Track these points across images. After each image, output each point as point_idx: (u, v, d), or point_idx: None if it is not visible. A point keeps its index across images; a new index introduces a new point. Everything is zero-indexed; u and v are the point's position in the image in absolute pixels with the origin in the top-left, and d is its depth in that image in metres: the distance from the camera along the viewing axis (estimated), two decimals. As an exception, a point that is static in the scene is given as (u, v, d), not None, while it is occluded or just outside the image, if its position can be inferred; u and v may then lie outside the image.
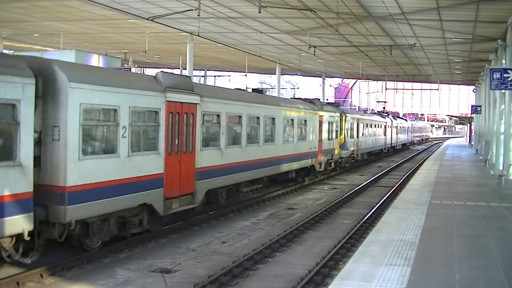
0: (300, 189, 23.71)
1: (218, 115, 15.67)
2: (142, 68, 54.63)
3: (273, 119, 19.93)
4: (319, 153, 25.46)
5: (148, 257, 11.74)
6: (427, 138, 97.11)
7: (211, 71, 52.88)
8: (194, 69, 35.50)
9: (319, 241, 13.81)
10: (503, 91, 23.86)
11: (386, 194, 21.38)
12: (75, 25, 31.93)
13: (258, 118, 18.54)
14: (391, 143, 51.37)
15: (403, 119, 66.03)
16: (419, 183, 20.99)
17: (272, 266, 11.36)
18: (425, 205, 14.96)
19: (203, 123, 14.64)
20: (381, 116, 48.45)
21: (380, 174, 30.80)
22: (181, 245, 12.86)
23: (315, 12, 20.79)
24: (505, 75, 19.43)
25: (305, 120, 23.53)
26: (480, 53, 34.26)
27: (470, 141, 66.86)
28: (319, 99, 30.18)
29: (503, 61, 26.17)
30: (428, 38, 30.74)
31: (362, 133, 36.86)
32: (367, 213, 17.12)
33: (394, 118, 55.03)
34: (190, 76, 14.02)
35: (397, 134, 54.79)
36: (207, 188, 14.95)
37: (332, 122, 27.71)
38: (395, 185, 24.26)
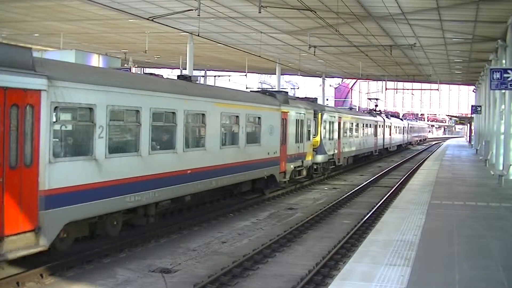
0: (300, 189, 23.70)
1: (90, 109, 10.62)
2: (142, 68, 54.67)
3: (203, 115, 14.92)
4: (282, 159, 20.48)
5: (148, 257, 11.74)
6: (425, 139, 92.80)
7: (211, 71, 52.89)
8: (194, 69, 35.49)
9: (319, 241, 13.80)
10: (503, 91, 23.87)
11: (386, 194, 21.37)
12: (75, 25, 31.93)
13: (174, 114, 13.40)
14: (383, 145, 46.80)
15: (398, 118, 62.29)
16: (419, 183, 20.98)
17: (272, 266, 11.36)
18: (425, 205, 14.95)
19: (56, 121, 9.76)
20: (371, 115, 43.98)
21: (380, 174, 30.79)
22: (181, 245, 12.86)
23: (315, 12, 20.79)
24: (505, 75, 19.43)
25: (259, 118, 18.52)
26: (480, 53, 34.27)
27: (470, 141, 66.87)
28: (286, 92, 24.19)
29: (503, 61, 26.17)
30: (428, 38, 30.75)
31: (346, 134, 32.13)
32: (367, 213, 17.12)
33: (387, 117, 51.00)
34: (30, 48, 9.51)
35: (390, 135, 50.36)
36: (66, 220, 9.97)
37: (302, 121, 22.80)
38: (395, 185, 24.25)
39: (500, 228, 12.39)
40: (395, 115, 67.84)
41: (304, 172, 23.85)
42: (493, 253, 9.98)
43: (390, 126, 50.39)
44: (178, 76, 16.79)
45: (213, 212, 16.57)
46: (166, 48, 40.09)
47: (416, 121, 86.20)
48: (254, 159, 18.09)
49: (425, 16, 25.14)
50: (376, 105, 51.29)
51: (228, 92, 18.65)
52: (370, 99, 59.21)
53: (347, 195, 21.25)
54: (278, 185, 20.90)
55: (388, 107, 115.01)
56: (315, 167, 26.20)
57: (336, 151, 29.33)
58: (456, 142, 77.53)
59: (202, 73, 53.65)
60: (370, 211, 17.57)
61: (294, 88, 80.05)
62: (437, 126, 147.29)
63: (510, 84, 19.41)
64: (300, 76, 63.99)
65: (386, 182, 27.15)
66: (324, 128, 27.15)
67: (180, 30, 28.26)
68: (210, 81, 53.13)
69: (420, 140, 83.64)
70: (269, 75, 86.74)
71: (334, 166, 29.50)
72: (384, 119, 47.22)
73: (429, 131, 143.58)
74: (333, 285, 7.74)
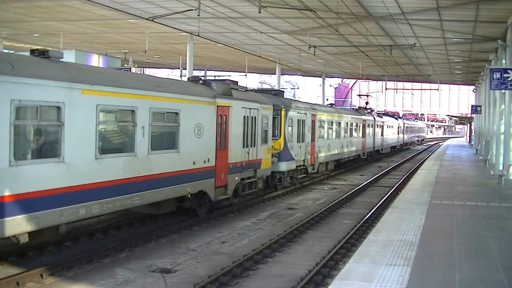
0: (300, 189, 23.69)
1: None
2: (142, 68, 54.71)
3: (58, 109, 9.95)
4: (220, 169, 15.49)
5: (148, 257, 11.74)
6: (423, 139, 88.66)
7: (211, 71, 52.84)
8: (194, 69, 35.51)
9: (319, 241, 13.80)
10: (503, 91, 23.87)
11: (386, 194, 21.37)
12: (75, 25, 31.93)
13: None
14: (374, 147, 41.62)
15: (393, 117, 56.99)
16: (419, 183, 20.98)
17: (272, 266, 11.36)
18: (425, 205, 14.95)
19: None
20: (359, 113, 38.69)
21: (380, 174, 30.78)
22: (181, 245, 12.86)
23: (315, 12, 20.79)
24: (505, 75, 19.43)
25: (176, 114, 13.47)
26: (480, 53, 34.27)
27: (470, 141, 66.87)
28: (234, 82, 18.20)
29: (503, 61, 26.18)
30: (428, 38, 30.75)
31: (322, 135, 27.37)
32: (367, 213, 17.11)
33: (379, 116, 45.98)
34: None
35: (382, 135, 45.31)
36: None
37: (254, 119, 17.90)
38: (395, 185, 24.25)
39: (500, 228, 12.40)
40: (389, 113, 63.10)
41: (260, 185, 19.01)
42: (493, 253, 9.98)
43: (382, 126, 45.44)
44: (31, 51, 10.60)
45: (213, 212, 16.56)
46: (166, 48, 40.09)
47: (413, 121, 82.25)
48: (168, 171, 13.08)
49: (425, 16, 25.14)
50: (367, 103, 46.84)
51: (113, 75, 12.71)
52: (360, 95, 54.04)
53: (347, 195, 21.25)
54: (218, 204, 16.24)
55: (388, 107, 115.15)
56: (278, 177, 21.65)
57: (308, 156, 24.41)
58: (456, 142, 77.50)
59: (202, 73, 53.71)
60: (370, 211, 17.56)
61: (294, 88, 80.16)
62: (437, 126, 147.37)
63: (510, 84, 19.41)
64: (300, 76, 63.97)
65: (386, 182, 27.15)
66: (290, 128, 22.26)
67: (180, 30, 28.27)
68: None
69: (418, 141, 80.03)
70: (269, 75, 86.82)
71: (305, 175, 24.75)
72: (374, 118, 41.83)
73: (430, 131, 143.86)
74: (333, 285, 7.74)
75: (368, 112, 42.20)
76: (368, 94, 53.94)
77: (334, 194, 22.62)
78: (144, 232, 13.45)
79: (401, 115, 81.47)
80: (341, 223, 16.33)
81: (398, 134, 55.26)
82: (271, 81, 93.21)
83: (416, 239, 10.61)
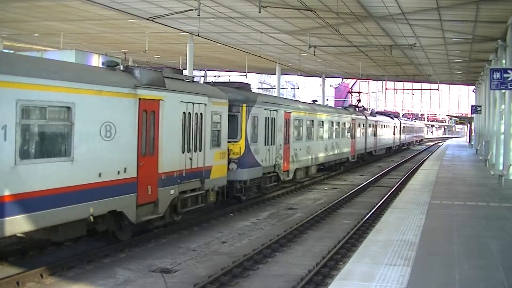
0: (300, 189, 23.69)
1: None
2: (142, 68, 54.56)
3: None
4: (144, 182, 12.16)
5: (148, 257, 11.74)
6: (422, 140, 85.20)
7: (211, 71, 52.89)
8: (194, 69, 35.51)
9: (319, 241, 13.80)
10: (503, 91, 23.87)
11: (386, 194, 21.37)
12: (75, 25, 31.92)
13: None
14: (365, 148, 37.93)
15: (389, 116, 53.15)
16: (419, 183, 20.98)
17: (272, 266, 11.36)
18: (425, 205, 14.95)
19: None
20: (347, 111, 34.59)
21: (380, 174, 30.78)
22: (181, 245, 12.86)
23: (315, 12, 20.79)
24: (505, 75, 19.43)
25: (68, 109, 10.12)
26: (480, 53, 34.27)
27: (470, 141, 66.88)
28: (176, 70, 15.32)
29: (503, 61, 26.18)
30: (428, 38, 30.75)
31: (300, 136, 23.65)
32: (367, 213, 17.11)
33: (372, 115, 42.31)
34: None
35: (376, 136, 41.70)
36: None
37: (200, 115, 14.54)
38: (395, 185, 24.25)
39: (500, 228, 12.39)
40: (385, 112, 58.89)
41: (211, 198, 15.59)
42: (493, 253, 9.98)
43: (375, 125, 41.79)
44: None
45: (213, 212, 16.56)
46: (166, 48, 40.08)
47: (411, 120, 78.85)
48: (49, 188, 9.63)
49: (425, 16, 25.14)
50: (359, 100, 42.93)
51: None
52: (350, 92, 49.11)
53: (347, 195, 21.25)
54: (149, 225, 13.05)
55: (389, 107, 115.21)
56: (239, 187, 17.70)
57: (280, 161, 20.73)
58: (456, 142, 77.49)
59: (202, 73, 53.73)
60: (370, 211, 17.56)
61: (294, 88, 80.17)
62: (437, 126, 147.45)
63: (510, 84, 19.42)
64: (300, 76, 63.96)
65: (386, 182, 27.15)
66: (254, 127, 18.51)
67: (180, 30, 28.27)
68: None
69: (416, 142, 76.44)
70: (269, 75, 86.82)
71: (276, 183, 21.06)
72: (366, 117, 38.44)
73: (430, 132, 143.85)
74: (333, 285, 7.74)
75: (360, 111, 38.91)
76: (360, 91, 48.64)
77: (334, 194, 22.61)
78: (144, 232, 13.44)
79: (401, 115, 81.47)
80: (341, 223, 16.33)
81: (394, 134, 51.96)
82: (271, 81, 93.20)
83: (416, 239, 10.61)
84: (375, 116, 43.23)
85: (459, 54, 37.20)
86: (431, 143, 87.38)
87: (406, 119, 74.41)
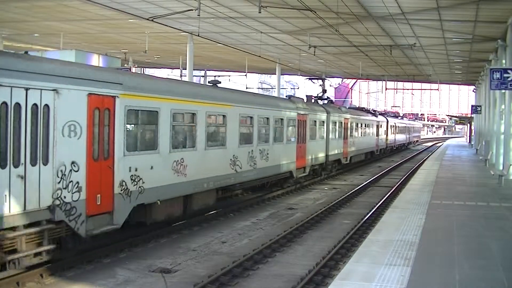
0: (300, 189, 23.68)
1: None
2: (142, 68, 54.68)
3: None
4: None
5: (148, 257, 11.74)
6: (417, 141, 78.40)
7: (211, 71, 52.90)
8: (194, 69, 35.52)
9: (319, 241, 13.80)
10: (503, 91, 23.87)
11: (386, 194, 21.37)
12: (75, 25, 31.93)
13: None
14: (327, 156, 27.31)
15: (370, 113, 43.78)
16: (419, 183, 20.98)
17: (272, 266, 11.36)
18: (425, 205, 14.95)
19: None
20: (290, 103, 22.89)
21: (380, 174, 30.78)
22: (181, 245, 12.86)
23: (315, 12, 20.79)
24: (505, 75, 19.43)
25: None
26: (480, 53, 34.27)
27: (470, 141, 66.88)
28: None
29: (503, 61, 26.18)
30: (428, 38, 30.75)
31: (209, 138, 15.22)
32: (367, 213, 17.11)
33: (339, 110, 31.20)
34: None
35: (345, 138, 30.99)
36: None
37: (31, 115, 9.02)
38: (395, 185, 24.25)
39: (500, 228, 12.39)
40: (364, 108, 49.68)
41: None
42: (493, 253, 9.98)
43: (346, 124, 31.10)
44: None
45: (213, 212, 16.56)
46: (166, 48, 40.08)
47: (402, 119, 67.32)
48: None
49: (425, 16, 25.14)
50: (324, 90, 31.92)
51: None
52: (311, 79, 33.15)
53: (347, 195, 21.24)
54: None
55: (388, 107, 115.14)
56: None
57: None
58: (456, 142, 77.46)
59: (202, 73, 53.74)
60: (370, 211, 17.56)
61: (294, 88, 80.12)
62: (437, 126, 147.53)
63: (510, 84, 19.41)
64: (300, 76, 63.95)
65: (386, 182, 27.15)
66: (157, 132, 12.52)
67: (180, 30, 28.26)
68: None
69: (410, 143, 68.42)
70: (269, 75, 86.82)
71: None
72: (328, 112, 27.41)
73: (431, 132, 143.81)
74: (333, 285, 7.74)
75: (322, 105, 28.65)
76: (325, 77, 35.86)
77: (334, 194, 22.61)
78: (144, 232, 13.45)
79: (401, 115, 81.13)
80: (341, 223, 16.33)
81: (378, 135, 42.82)
82: (271, 81, 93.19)
83: (416, 239, 10.61)
84: (346, 113, 32.06)
85: (459, 54, 37.20)
86: (429, 144, 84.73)
87: (399, 117, 65.63)
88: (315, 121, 25.37)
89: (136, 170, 11.88)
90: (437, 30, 28.05)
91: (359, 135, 35.75)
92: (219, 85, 17.32)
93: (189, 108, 14.31)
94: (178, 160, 13.58)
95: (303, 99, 26.52)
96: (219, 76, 52.51)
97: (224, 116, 16.24)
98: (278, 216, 17.17)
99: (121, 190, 11.36)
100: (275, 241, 12.99)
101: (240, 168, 17.17)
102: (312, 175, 25.67)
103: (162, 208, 13.00)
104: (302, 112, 23.49)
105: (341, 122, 30.30)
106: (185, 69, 35.42)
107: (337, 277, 8.22)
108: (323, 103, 29.90)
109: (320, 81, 33.02)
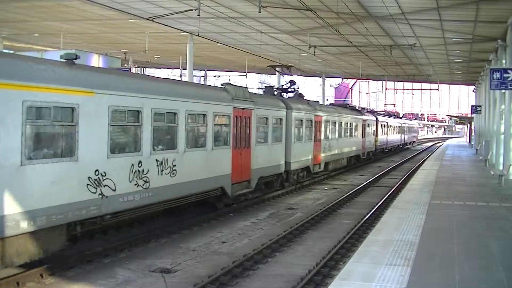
0: (300, 189, 23.68)
1: None
2: (142, 68, 54.72)
3: None
4: None
5: (148, 257, 11.74)
6: (413, 142, 73.88)
7: (211, 71, 52.91)
8: (194, 69, 35.53)
9: (319, 241, 13.80)
10: (503, 91, 23.88)
11: (386, 194, 21.37)
12: (75, 25, 31.94)
13: None
14: (288, 163, 21.74)
15: (355, 110, 39.00)
16: (419, 183, 20.98)
17: (272, 266, 11.36)
18: (425, 205, 14.95)
19: None
20: (221, 93, 16.49)
21: (380, 174, 30.77)
22: (181, 245, 12.86)
23: (315, 12, 20.79)
24: (505, 75, 19.45)
25: None
26: (480, 53, 34.28)
27: (470, 141, 66.89)
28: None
29: (503, 61, 26.18)
30: (428, 38, 30.76)
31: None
32: (367, 213, 17.11)
33: (309, 106, 24.95)
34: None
35: (326, 138, 27.17)
36: None
37: None
38: (395, 185, 24.24)
39: (500, 228, 12.39)
40: (348, 105, 45.65)
41: None
42: (493, 253, 9.98)
43: (319, 123, 25.96)
44: None
45: (213, 212, 16.56)
46: (166, 48, 40.10)
47: (396, 118, 61.65)
48: None
49: (425, 16, 25.15)
50: (292, 82, 26.09)
51: None
52: (272, 66, 27.93)
53: (347, 195, 21.24)
54: None
55: (388, 107, 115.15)
56: None
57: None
58: (456, 142, 77.43)
59: (202, 73, 53.75)
60: (370, 211, 17.56)
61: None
62: (437, 126, 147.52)
63: (510, 84, 19.43)
64: (300, 76, 63.95)
65: (386, 182, 27.15)
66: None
67: (180, 30, 28.29)
68: (210, 81, 53.08)
69: (406, 144, 63.58)
70: (269, 75, 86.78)
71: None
72: (287, 108, 21.65)
73: (432, 132, 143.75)
74: (333, 285, 7.74)
75: (282, 98, 23.19)
76: (290, 65, 28.95)
77: (334, 194, 22.61)
78: (144, 232, 13.45)
79: (401, 115, 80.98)
80: (341, 223, 16.33)
81: (364, 136, 37.33)
82: (271, 81, 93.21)
83: (416, 239, 10.61)
84: (318, 110, 25.97)
85: (459, 54, 37.21)
86: (428, 144, 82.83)
87: (392, 116, 60.23)
88: (266, 118, 19.52)
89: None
90: (437, 30, 28.05)
91: (338, 137, 29.91)
92: (76, 61, 10.74)
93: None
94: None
95: (247, 88, 18.96)
96: (219, 76, 52.60)
97: (73, 109, 10.04)
98: (278, 216, 17.16)
99: None
100: (275, 241, 12.98)
101: (113, 190, 11.17)
102: (263, 189, 20.12)
103: None
104: (242, 106, 17.29)
105: (311, 121, 24.53)
106: (185, 69, 35.43)
107: (337, 277, 8.22)
108: (288, 97, 24.61)
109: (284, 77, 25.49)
